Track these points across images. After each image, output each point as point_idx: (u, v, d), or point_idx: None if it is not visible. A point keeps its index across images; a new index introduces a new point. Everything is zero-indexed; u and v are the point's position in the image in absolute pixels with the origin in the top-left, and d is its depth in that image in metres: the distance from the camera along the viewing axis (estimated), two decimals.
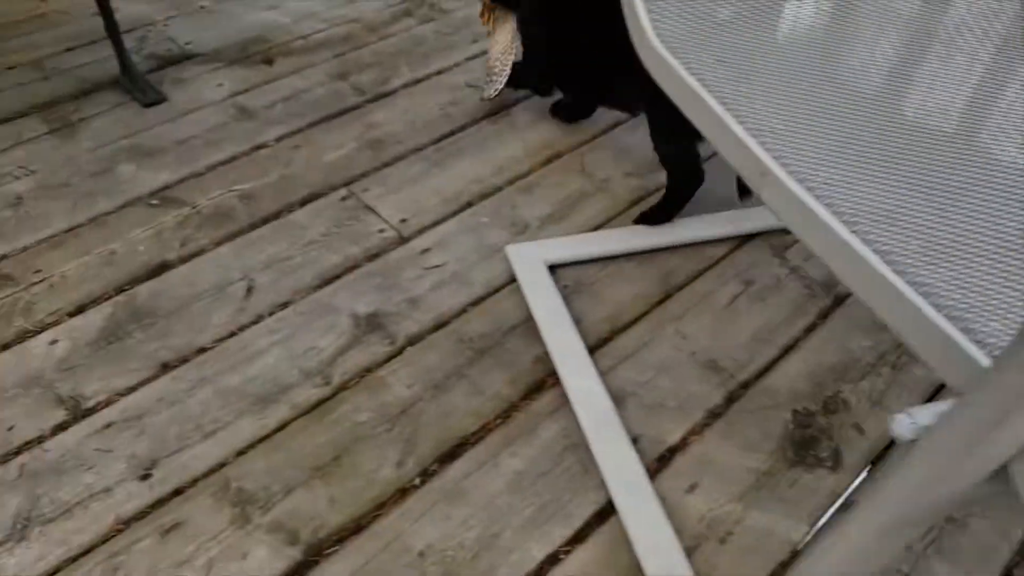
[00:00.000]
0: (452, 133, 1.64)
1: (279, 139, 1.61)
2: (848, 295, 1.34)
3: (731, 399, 1.18)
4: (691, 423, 1.15)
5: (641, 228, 1.41)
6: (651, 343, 1.25)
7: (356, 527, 1.03)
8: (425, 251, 1.39)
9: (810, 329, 1.28)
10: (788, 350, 1.25)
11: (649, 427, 1.14)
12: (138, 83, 1.67)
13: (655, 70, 0.76)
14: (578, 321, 1.26)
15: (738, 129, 0.59)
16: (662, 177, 1.49)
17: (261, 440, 1.12)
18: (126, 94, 1.69)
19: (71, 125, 1.63)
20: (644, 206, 1.49)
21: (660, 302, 1.31)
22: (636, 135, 1.66)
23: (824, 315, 1.31)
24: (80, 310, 1.28)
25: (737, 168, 0.62)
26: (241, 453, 1.10)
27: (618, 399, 1.17)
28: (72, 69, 1.79)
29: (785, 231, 1.44)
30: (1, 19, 1.96)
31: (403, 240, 1.40)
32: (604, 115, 1.71)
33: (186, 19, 1.99)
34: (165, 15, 1.99)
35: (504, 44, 1.61)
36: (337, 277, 1.34)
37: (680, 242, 1.37)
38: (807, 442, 1.15)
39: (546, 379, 1.20)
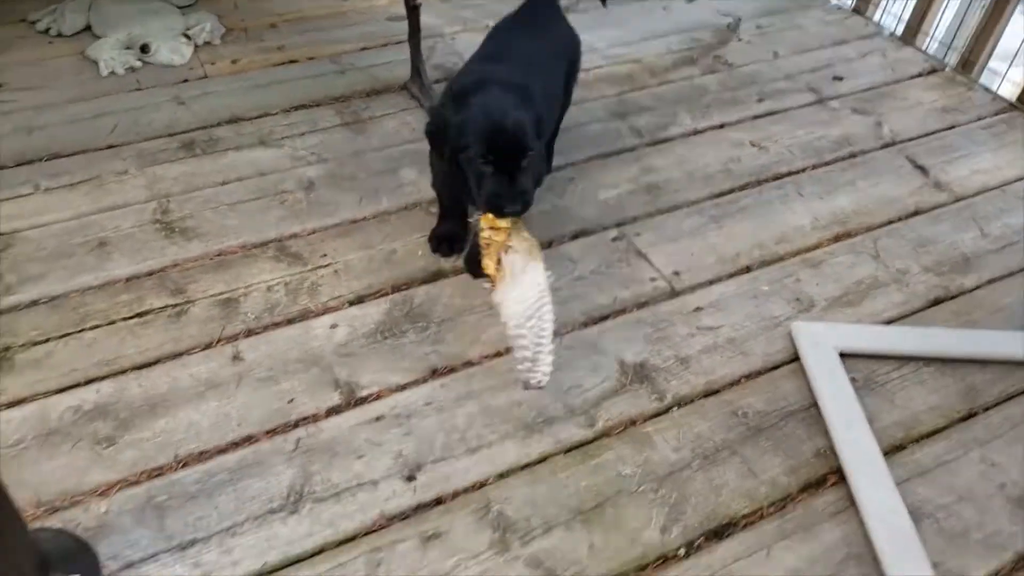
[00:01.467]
0: (732, 191, 1.68)
1: (555, 169, 1.70)
2: None
3: None
4: (998, 563, 1.09)
5: (945, 331, 1.35)
6: (953, 464, 1.20)
7: None
8: (698, 309, 1.42)
9: None
10: None
11: (947, 557, 1.09)
12: (426, 91, 1.84)
13: None
14: (868, 421, 1.24)
15: None
16: (966, 281, 1.45)
17: (523, 468, 1.18)
18: (412, 100, 1.87)
19: (362, 121, 1.82)
20: (944, 308, 1.43)
21: (963, 419, 1.26)
22: (940, 226, 1.62)
23: None
24: (360, 300, 1.41)
25: None
26: (502, 476, 1.17)
27: (913, 518, 1.11)
28: (366, 68, 2.00)
29: None
30: (305, 13, 2.22)
31: (675, 293, 1.44)
32: (903, 201, 1.65)
33: (473, 36, 2.13)
34: (453, 28, 2.18)
35: (529, 300, 1.19)
36: (604, 318, 1.40)
37: (989, 356, 1.32)
38: None
39: (828, 476, 1.18)
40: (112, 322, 1.36)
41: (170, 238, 1.51)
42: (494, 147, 1.25)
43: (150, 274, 1.44)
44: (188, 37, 2.02)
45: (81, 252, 1.48)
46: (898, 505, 1.11)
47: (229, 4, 2.21)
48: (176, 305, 1.39)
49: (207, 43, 2.04)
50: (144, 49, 1.95)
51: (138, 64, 1.95)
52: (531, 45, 1.49)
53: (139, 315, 1.37)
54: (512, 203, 1.26)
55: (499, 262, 1.28)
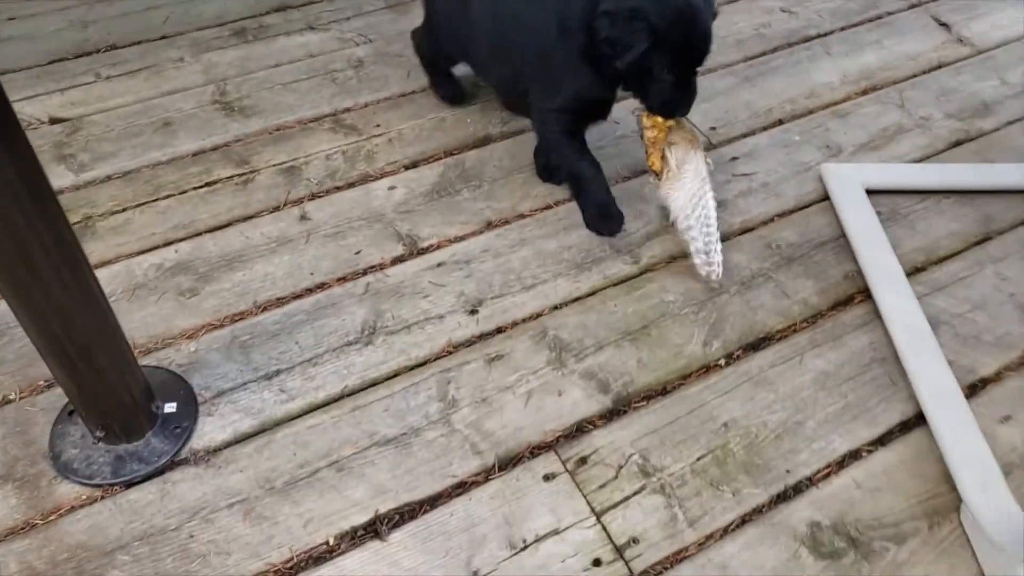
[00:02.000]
0: (764, 54, 1.78)
1: None
2: None
3: None
4: (1008, 359, 1.23)
5: (964, 167, 1.46)
6: (968, 279, 1.33)
7: (663, 389, 1.20)
8: (734, 159, 1.54)
9: None
10: None
11: (962, 356, 1.23)
12: None
13: None
14: (892, 246, 1.35)
15: None
16: (985, 124, 1.56)
17: (575, 300, 1.31)
18: None
19: (404, 3, 1.92)
20: (964, 148, 1.54)
21: (979, 242, 1.39)
22: (961, 77, 1.71)
23: None
24: (415, 164, 1.54)
25: None
26: (556, 308, 1.30)
27: (931, 325, 1.24)
28: None
29: None
30: None
31: (712, 146, 1.56)
32: (927, 56, 1.73)
33: None
34: None
35: (692, 189, 1.25)
36: (646, 172, 1.48)
37: (1005, 187, 1.43)
38: None
39: (856, 295, 1.31)
40: (184, 191, 1.49)
41: (230, 116, 1.63)
42: (684, 58, 1.19)
43: (215, 149, 1.57)
44: None
45: (148, 132, 1.60)
46: (917, 311, 1.24)
47: None
48: (242, 174, 1.52)
49: None
50: None
51: None
52: None
53: (208, 184, 1.50)
54: (687, 109, 1.25)
55: (663, 157, 1.30)
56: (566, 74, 1.28)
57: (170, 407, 1.17)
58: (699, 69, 1.22)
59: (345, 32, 1.83)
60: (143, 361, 1.22)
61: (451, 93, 1.62)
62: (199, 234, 1.41)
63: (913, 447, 1.12)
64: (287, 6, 1.91)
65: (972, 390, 1.19)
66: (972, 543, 1.03)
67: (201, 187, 1.49)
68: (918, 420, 1.15)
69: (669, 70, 1.20)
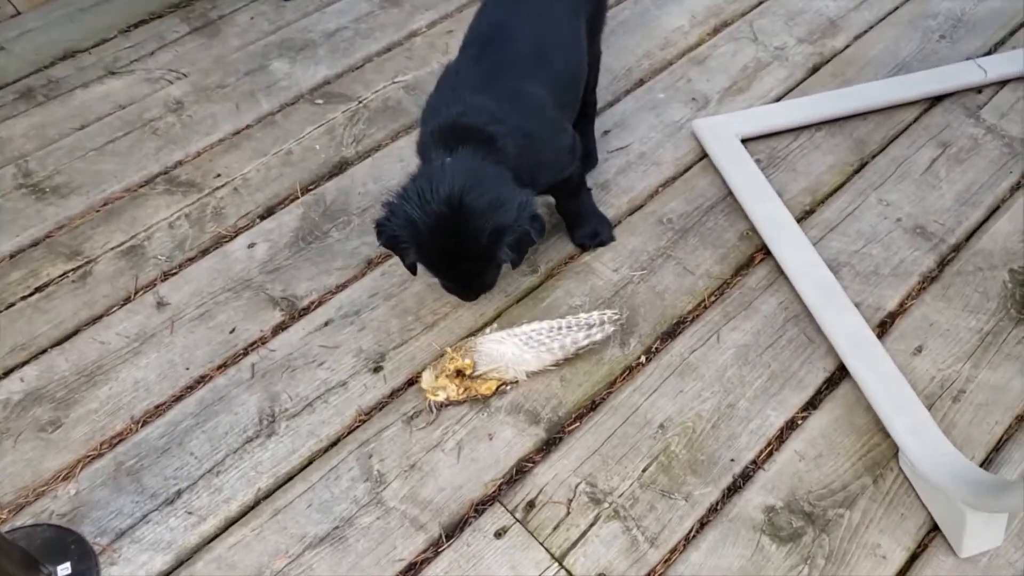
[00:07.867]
0: (611, 6, 1.53)
1: (431, 25, 1.54)
2: None
3: (944, 263, 1.17)
4: (908, 288, 1.14)
5: (827, 95, 1.33)
6: (855, 212, 1.23)
7: (592, 404, 1.05)
8: (606, 133, 1.35)
9: (1016, 188, 1.25)
10: (995, 211, 1.23)
11: (867, 295, 1.14)
12: None
13: None
14: (779, 194, 1.23)
15: None
16: (836, 43, 1.43)
17: (482, 327, 1.12)
18: None
19: (212, 23, 1.58)
20: (823, 73, 1.41)
21: (857, 171, 1.28)
22: None
23: None
24: (270, 211, 1.27)
25: None
26: (464, 340, 1.11)
27: (832, 269, 1.14)
28: None
29: (977, 90, 1.37)
30: None
31: None
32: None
33: None
34: None
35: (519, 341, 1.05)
36: None
37: (868, 108, 1.32)
38: None
39: (755, 254, 1.19)
40: (11, 304, 1.17)
41: (44, 200, 1.29)
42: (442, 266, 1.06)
43: (35, 244, 1.24)
44: None
45: None
46: (817, 260, 1.13)
47: None
48: (77, 268, 1.21)
49: None
50: None
51: None
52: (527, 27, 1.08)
53: (39, 289, 1.19)
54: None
55: (459, 376, 1.04)
56: None
57: (63, 569, 0.93)
58: None
59: (152, 71, 1.49)
60: (17, 521, 0.96)
61: None
62: (44, 351, 1.11)
63: (842, 402, 1.03)
64: (75, 51, 1.53)
65: (883, 327, 1.10)
66: (915, 488, 0.96)
67: (31, 294, 1.18)
68: (841, 372, 1.06)
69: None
